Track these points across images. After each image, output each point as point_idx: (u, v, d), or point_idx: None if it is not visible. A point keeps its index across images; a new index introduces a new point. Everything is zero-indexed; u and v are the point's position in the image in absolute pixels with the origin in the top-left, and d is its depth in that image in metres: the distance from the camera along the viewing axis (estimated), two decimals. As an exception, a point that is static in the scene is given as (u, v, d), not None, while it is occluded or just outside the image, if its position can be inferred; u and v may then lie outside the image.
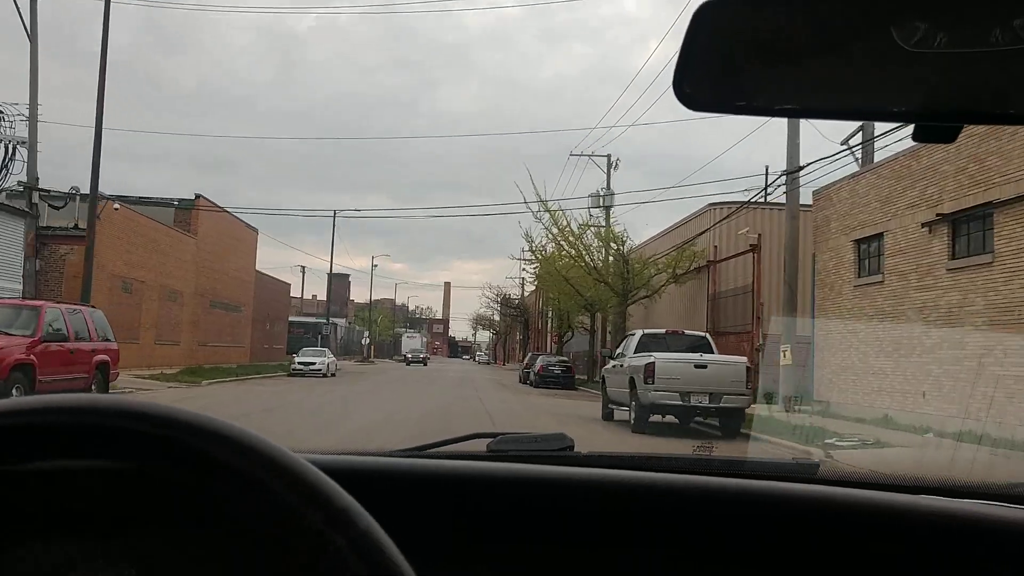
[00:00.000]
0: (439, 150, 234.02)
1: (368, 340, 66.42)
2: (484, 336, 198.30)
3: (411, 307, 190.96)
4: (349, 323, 74.49)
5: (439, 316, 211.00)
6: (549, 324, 62.55)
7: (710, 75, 0.80)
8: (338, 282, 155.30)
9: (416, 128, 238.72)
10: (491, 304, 67.66)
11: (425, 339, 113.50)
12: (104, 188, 25.28)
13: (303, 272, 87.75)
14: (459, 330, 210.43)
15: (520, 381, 42.12)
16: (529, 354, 43.97)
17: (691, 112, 0.87)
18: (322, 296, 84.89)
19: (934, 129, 0.80)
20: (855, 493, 1.22)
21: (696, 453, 1.83)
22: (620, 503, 1.17)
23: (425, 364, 72.27)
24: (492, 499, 1.16)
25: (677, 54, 0.79)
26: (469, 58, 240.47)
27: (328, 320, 68.08)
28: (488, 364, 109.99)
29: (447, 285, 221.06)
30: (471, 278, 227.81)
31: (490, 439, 1.49)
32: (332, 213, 58.22)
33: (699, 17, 0.77)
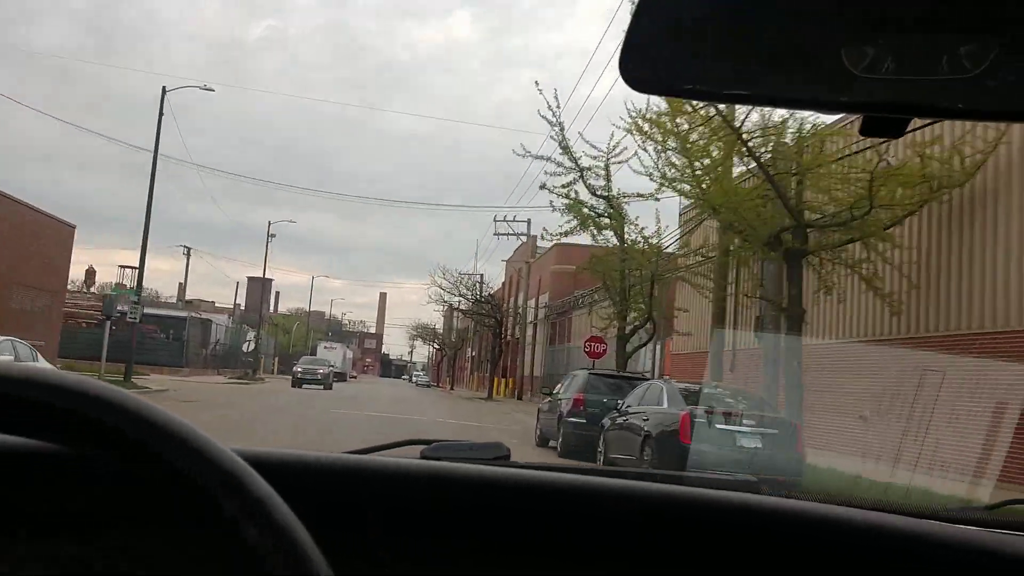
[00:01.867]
0: (384, 170, 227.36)
1: (252, 345, 45.53)
2: (423, 353, 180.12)
3: (344, 320, 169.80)
4: (235, 323, 52.82)
5: (374, 331, 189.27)
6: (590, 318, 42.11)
7: (657, 56, 0.77)
8: (261, 284, 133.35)
9: (363, 147, 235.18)
10: (441, 300, 47.27)
11: (350, 353, 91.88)
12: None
13: (188, 254, 66.42)
14: (395, 348, 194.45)
15: (542, 442, 19.54)
16: (572, 374, 18.48)
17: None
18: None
19: (882, 122, 0.80)
20: (797, 503, 1.21)
21: (636, 468, 1.25)
22: (555, 504, 1.14)
23: (329, 387, 43.07)
24: (421, 496, 1.14)
25: (624, 33, 0.77)
26: (417, 79, 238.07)
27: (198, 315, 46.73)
28: (428, 387, 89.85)
29: (382, 296, 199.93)
30: (410, 297, 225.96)
31: (424, 446, 1.46)
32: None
33: None
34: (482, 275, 44.45)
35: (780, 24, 0.74)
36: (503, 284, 45.89)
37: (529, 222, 46.15)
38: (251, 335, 46.74)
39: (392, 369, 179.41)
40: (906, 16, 0.72)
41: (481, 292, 43.76)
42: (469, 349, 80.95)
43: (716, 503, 1.17)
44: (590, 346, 27.14)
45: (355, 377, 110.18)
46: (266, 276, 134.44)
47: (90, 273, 65.88)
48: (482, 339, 66.97)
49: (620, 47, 0.76)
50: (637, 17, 0.75)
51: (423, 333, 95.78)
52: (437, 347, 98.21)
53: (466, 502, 1.14)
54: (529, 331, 46.38)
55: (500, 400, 42.65)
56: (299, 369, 45.14)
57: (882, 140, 8.46)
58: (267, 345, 61.20)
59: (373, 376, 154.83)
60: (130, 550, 0.80)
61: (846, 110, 0.82)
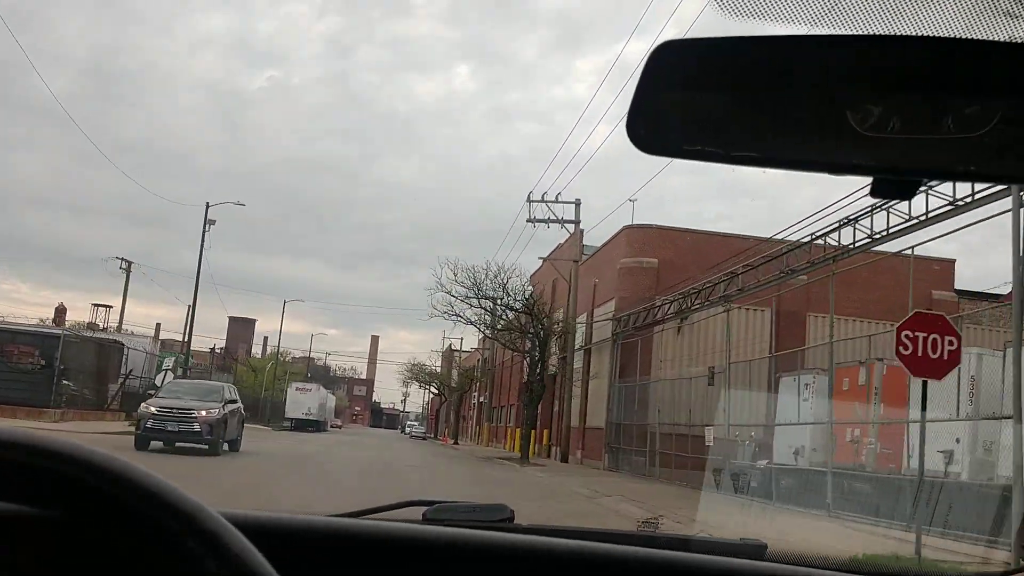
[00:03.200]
0: (380, 220, 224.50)
1: (168, 374, 30.43)
2: (416, 402, 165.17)
3: (333, 366, 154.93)
4: (166, 354, 37.60)
5: (364, 377, 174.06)
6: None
7: (665, 118, 0.78)
8: (243, 326, 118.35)
9: (358, 197, 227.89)
10: (451, 311, 31.54)
11: (332, 398, 76.87)
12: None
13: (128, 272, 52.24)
14: (388, 395, 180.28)
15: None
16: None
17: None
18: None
19: (892, 184, 0.81)
20: (802, 571, 1.20)
21: (641, 529, 1.45)
22: (561, 572, 1.13)
23: (226, 446, 21.20)
24: (427, 564, 1.12)
25: (632, 95, 0.78)
26: (416, 132, 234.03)
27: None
28: (423, 439, 75.08)
29: (374, 340, 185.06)
30: (403, 347, 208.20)
31: (427, 507, 1.42)
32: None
33: (656, 58, 0.76)
34: (502, 274, 29.69)
35: (787, 87, 0.75)
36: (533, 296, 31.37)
37: (578, 204, 31.94)
38: (168, 362, 32.31)
39: (383, 418, 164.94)
40: (912, 79, 0.73)
41: (511, 294, 29.42)
42: (475, 393, 66.40)
43: (723, 571, 1.15)
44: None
45: (339, 426, 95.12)
46: (251, 318, 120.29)
47: (60, 311, 57.88)
48: (500, 377, 52.55)
49: (628, 111, 0.76)
50: (644, 80, 0.75)
51: (418, 375, 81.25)
52: (435, 391, 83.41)
53: (471, 570, 1.11)
54: (575, 362, 31.80)
55: (543, 465, 27.94)
56: (151, 409, 19.52)
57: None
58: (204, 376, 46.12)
59: (362, 426, 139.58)
60: None
61: (855, 173, 0.80)
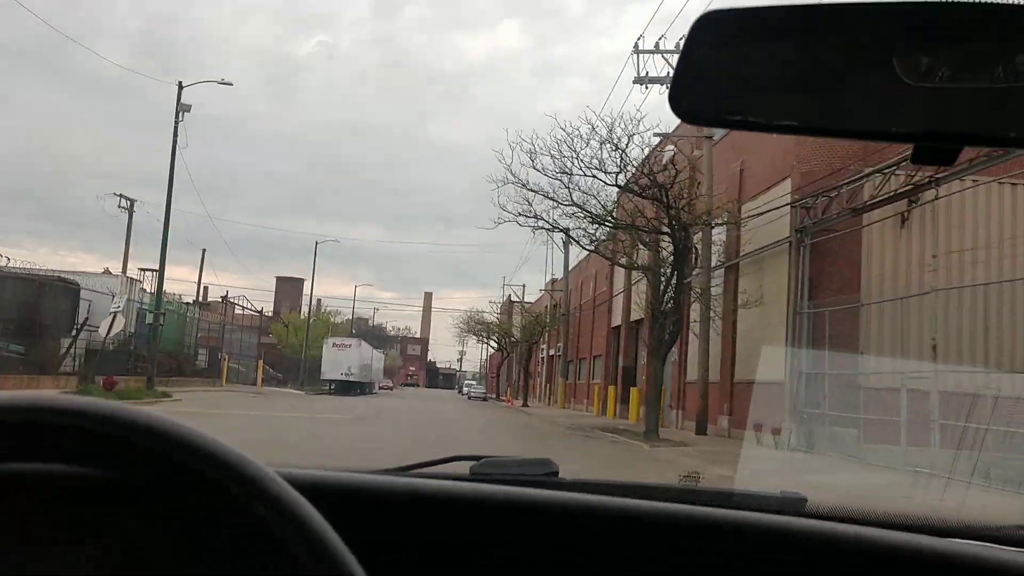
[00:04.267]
0: (433, 182, 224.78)
1: (117, 318, 21.46)
2: (474, 359, 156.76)
3: (385, 324, 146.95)
4: (129, 294, 27.91)
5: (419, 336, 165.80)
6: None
7: (708, 88, 0.80)
8: (291, 286, 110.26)
9: (410, 158, 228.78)
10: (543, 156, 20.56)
11: (379, 356, 67.74)
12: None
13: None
14: (442, 354, 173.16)
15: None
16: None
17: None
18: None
19: (933, 150, 0.81)
20: (844, 528, 1.20)
21: (683, 483, 1.94)
22: (605, 529, 1.16)
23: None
24: (474, 520, 1.14)
25: (675, 65, 0.79)
26: (465, 91, 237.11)
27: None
28: (484, 400, 65.97)
29: (427, 296, 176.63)
30: (459, 308, 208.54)
31: (473, 462, 1.45)
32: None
33: (698, 28, 0.77)
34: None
35: (830, 55, 0.75)
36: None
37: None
38: (118, 302, 22.78)
39: (440, 378, 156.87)
40: (958, 35, 0.73)
41: (628, 163, 18.48)
42: (544, 346, 56.58)
43: (761, 527, 1.17)
44: None
45: (389, 387, 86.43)
46: (298, 278, 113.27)
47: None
48: (578, 324, 42.47)
49: (671, 82, 0.78)
50: (687, 50, 0.76)
51: (475, 327, 71.69)
52: (495, 346, 73.95)
53: (516, 526, 1.14)
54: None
55: (685, 444, 17.88)
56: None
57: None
58: (180, 335, 36.17)
59: (417, 387, 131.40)
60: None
61: (897, 140, 0.80)
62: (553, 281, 54.24)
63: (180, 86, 26.40)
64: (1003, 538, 1.28)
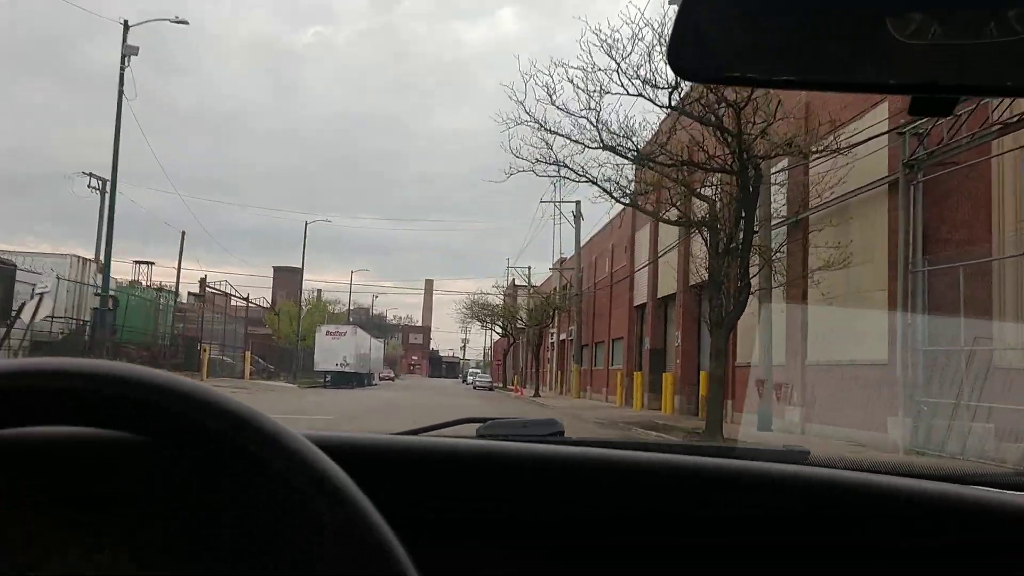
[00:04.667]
0: (431, 171, 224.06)
1: (43, 300, 18.03)
2: (478, 346, 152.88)
3: (383, 312, 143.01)
4: (82, 276, 23.96)
5: (420, 324, 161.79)
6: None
7: (704, 45, 0.80)
8: (289, 275, 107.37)
9: (410, 149, 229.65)
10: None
11: (377, 345, 63.76)
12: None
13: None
14: (445, 343, 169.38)
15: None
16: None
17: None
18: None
19: (930, 101, 0.82)
20: (846, 474, 1.21)
21: (686, 440, 1.53)
22: (612, 481, 1.16)
23: None
24: (482, 476, 1.16)
25: (671, 22, 0.80)
26: (465, 78, 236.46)
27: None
28: (490, 389, 62.21)
29: (429, 284, 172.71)
30: (457, 298, 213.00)
31: (480, 424, 1.48)
32: None
33: None
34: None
35: (829, 9, 0.75)
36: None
37: None
38: (44, 283, 18.93)
39: (443, 367, 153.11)
40: (952, 18, 0.74)
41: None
42: (553, 330, 52.61)
43: (765, 475, 1.18)
44: None
45: (391, 378, 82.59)
46: (296, 267, 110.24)
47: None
48: (594, 304, 38.21)
49: (668, 37, 0.78)
50: (685, 7, 0.76)
51: (479, 313, 67.71)
52: (500, 332, 69.97)
53: (523, 480, 1.15)
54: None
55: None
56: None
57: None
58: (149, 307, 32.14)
59: (420, 376, 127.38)
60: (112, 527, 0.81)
61: (895, 91, 0.80)
62: (562, 260, 50.20)
63: (126, 25, 22.41)
64: (1006, 484, 1.28)
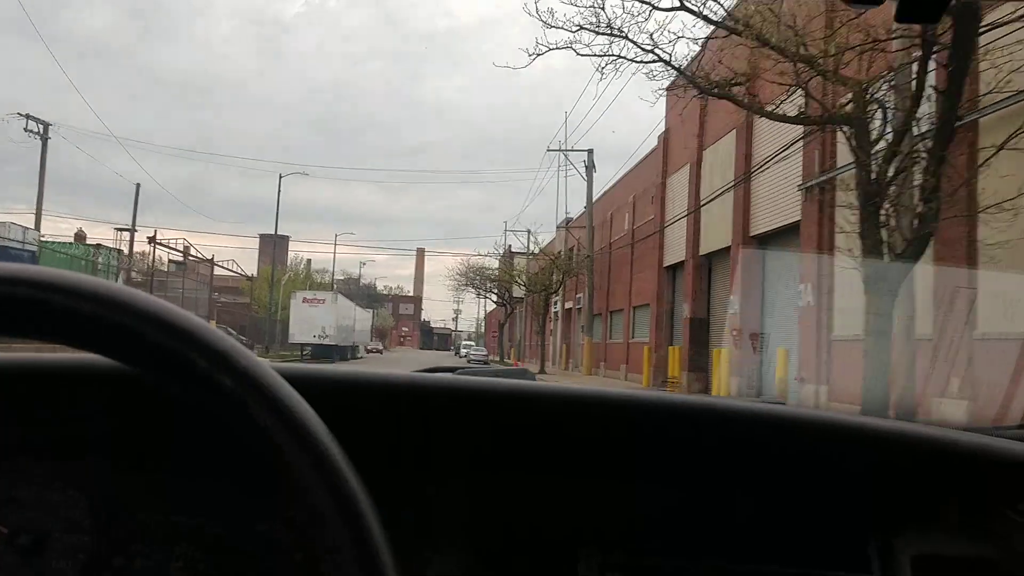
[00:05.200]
0: (424, 141, 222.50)
1: None
2: (469, 316, 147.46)
3: (369, 279, 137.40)
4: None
5: (411, 294, 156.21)
6: None
7: None
8: (276, 242, 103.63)
9: (403, 118, 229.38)
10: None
11: (364, 316, 58.31)
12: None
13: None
14: (436, 313, 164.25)
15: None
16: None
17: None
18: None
19: (917, 5, 0.78)
20: (830, 414, 1.23)
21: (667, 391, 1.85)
22: (586, 415, 1.15)
23: None
24: (454, 409, 1.15)
25: None
26: (458, 47, 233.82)
27: None
28: (485, 363, 57.02)
29: (420, 252, 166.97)
30: (451, 264, 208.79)
31: (451, 372, 1.46)
32: None
33: None
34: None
35: None
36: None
37: None
38: None
39: (434, 339, 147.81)
40: None
41: None
42: (556, 299, 47.14)
43: (742, 412, 1.18)
44: None
45: (379, 351, 77.24)
46: (283, 235, 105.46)
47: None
48: (608, 267, 32.43)
49: None
50: None
51: (474, 279, 62.34)
52: (497, 300, 64.54)
53: (501, 413, 1.14)
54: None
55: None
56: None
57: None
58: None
59: (410, 348, 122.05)
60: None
61: None
62: (568, 220, 44.68)
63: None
64: (980, 432, 1.27)
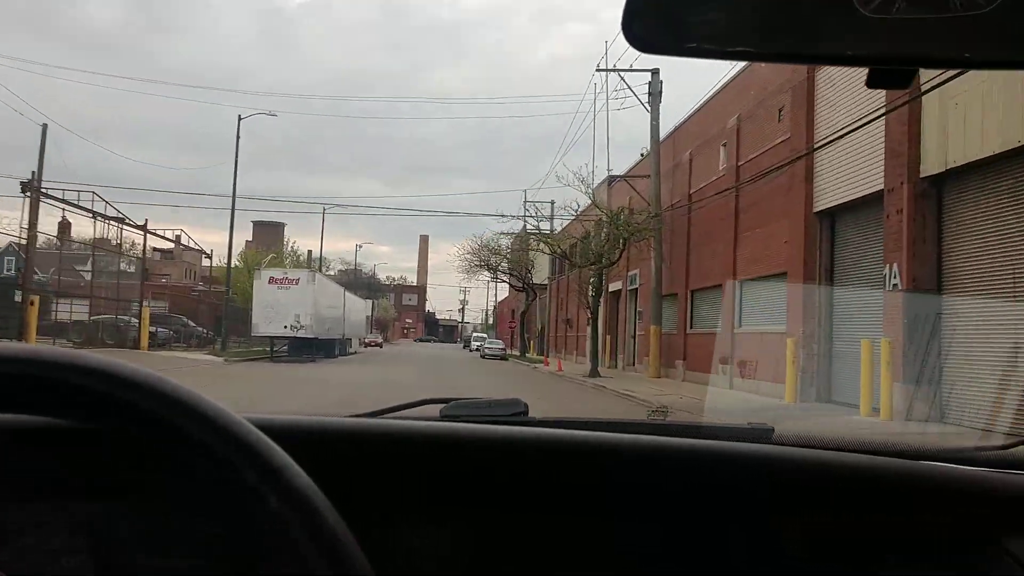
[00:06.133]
0: (430, 133, 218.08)
1: None
2: (475, 307, 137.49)
3: (382, 278, 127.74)
4: None
5: (415, 283, 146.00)
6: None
7: (661, 15, 0.77)
8: (270, 231, 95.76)
9: (407, 111, 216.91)
10: None
11: (357, 305, 48.08)
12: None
13: None
14: (441, 304, 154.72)
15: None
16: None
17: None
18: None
19: (888, 73, 0.80)
20: (812, 452, 1.22)
21: (651, 419, 1.85)
22: (576, 462, 1.16)
23: None
24: (445, 459, 1.15)
25: None
26: (462, 39, 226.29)
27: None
28: (503, 359, 47.59)
29: (424, 240, 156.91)
30: (456, 263, 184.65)
31: (443, 404, 1.45)
32: None
33: None
34: None
35: None
36: None
37: None
38: None
39: (439, 331, 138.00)
40: None
41: None
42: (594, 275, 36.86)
43: (729, 455, 1.18)
44: None
45: (377, 344, 67.16)
46: (277, 222, 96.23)
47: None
48: (696, 225, 21.80)
49: (623, 9, 0.76)
50: None
51: (489, 259, 52.18)
52: (519, 284, 54.20)
53: (487, 463, 1.14)
54: None
55: None
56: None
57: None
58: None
59: (412, 342, 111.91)
60: (80, 516, 0.84)
61: (852, 63, 0.78)
62: (610, 180, 34.54)
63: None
64: (963, 459, 1.29)
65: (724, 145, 22.98)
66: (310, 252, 71.58)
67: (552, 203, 44.66)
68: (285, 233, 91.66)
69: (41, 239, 31.19)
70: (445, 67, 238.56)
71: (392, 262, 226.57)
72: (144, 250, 33.19)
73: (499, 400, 1.42)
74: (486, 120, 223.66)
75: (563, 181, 52.34)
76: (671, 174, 27.54)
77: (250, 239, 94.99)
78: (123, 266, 33.76)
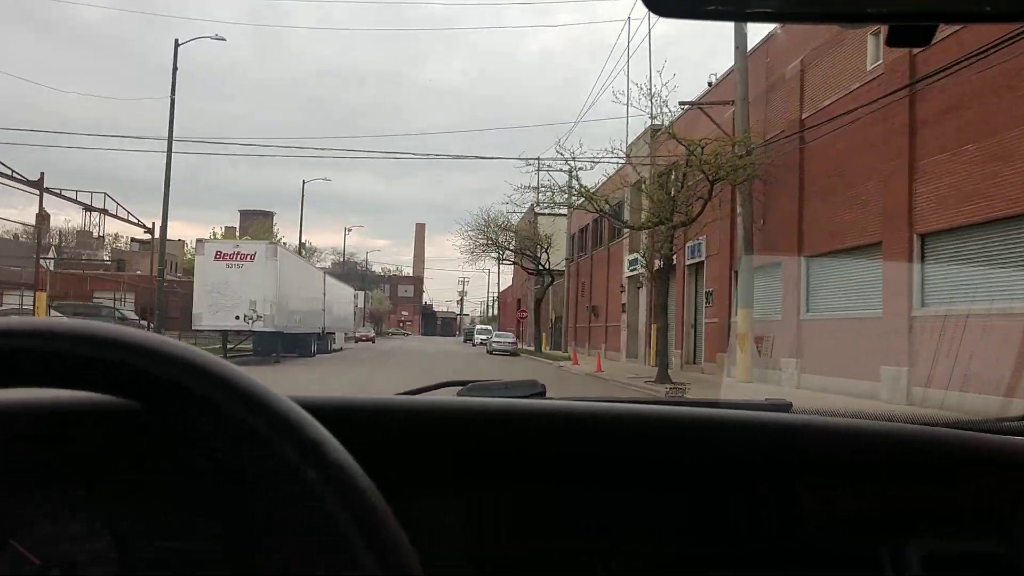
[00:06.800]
0: (422, 125, 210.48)
1: None
2: (474, 299, 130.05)
3: (377, 268, 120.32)
4: None
5: (410, 274, 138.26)
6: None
7: None
8: (258, 219, 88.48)
9: (400, 103, 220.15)
10: None
11: (337, 288, 40.31)
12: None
13: None
14: (438, 294, 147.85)
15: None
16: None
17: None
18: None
19: (908, 30, 0.79)
20: (835, 420, 1.22)
21: (669, 396, 1.57)
22: (594, 433, 1.16)
23: None
24: (467, 434, 1.16)
25: None
26: (455, 32, 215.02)
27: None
28: (514, 355, 40.18)
29: (420, 228, 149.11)
30: (453, 254, 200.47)
31: (461, 387, 1.48)
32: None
33: None
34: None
35: None
36: None
37: None
38: None
39: (437, 324, 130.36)
40: None
41: None
42: (628, 250, 28.87)
43: (747, 423, 1.18)
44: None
45: (370, 339, 59.65)
46: (267, 211, 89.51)
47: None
48: (819, 159, 14.37)
49: None
50: None
51: (497, 236, 44.64)
52: (532, 267, 46.45)
53: (509, 436, 1.16)
54: None
55: None
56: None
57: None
58: None
59: (407, 337, 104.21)
60: (102, 500, 0.85)
61: (872, 21, 0.77)
62: (653, 131, 26.77)
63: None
64: (986, 429, 1.27)
65: (875, 34, 15.29)
66: (302, 244, 63.64)
67: (580, 145, 36.92)
68: (276, 223, 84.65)
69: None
70: (438, 59, 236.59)
71: (390, 256, 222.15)
72: (40, 217, 25.27)
73: (516, 381, 1.43)
74: (477, 113, 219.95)
75: (619, 100, 43.66)
76: (763, 98, 19.89)
77: (231, 227, 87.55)
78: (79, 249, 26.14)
